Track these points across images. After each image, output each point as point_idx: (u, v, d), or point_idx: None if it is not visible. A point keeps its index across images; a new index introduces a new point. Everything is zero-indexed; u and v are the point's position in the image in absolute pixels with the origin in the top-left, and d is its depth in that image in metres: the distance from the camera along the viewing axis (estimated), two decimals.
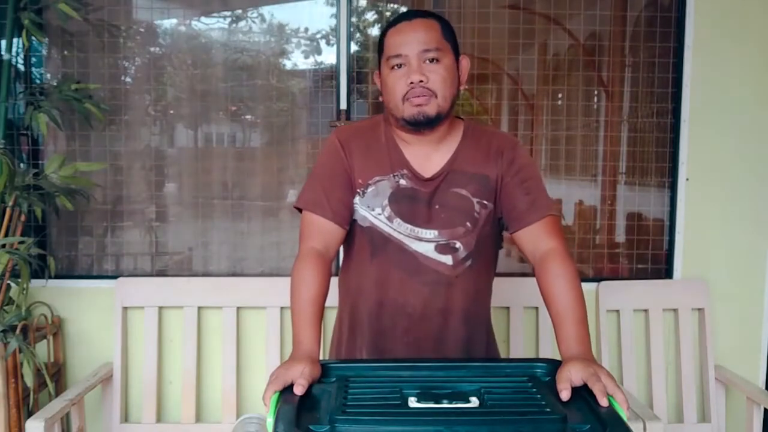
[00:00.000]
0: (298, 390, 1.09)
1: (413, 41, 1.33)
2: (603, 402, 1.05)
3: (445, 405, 1.01)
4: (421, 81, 1.32)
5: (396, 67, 1.34)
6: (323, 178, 1.44)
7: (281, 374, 1.13)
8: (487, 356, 1.52)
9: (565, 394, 1.08)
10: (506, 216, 1.44)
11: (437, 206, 1.41)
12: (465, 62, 1.41)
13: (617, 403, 1.05)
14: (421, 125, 1.37)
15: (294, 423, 0.96)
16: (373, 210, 1.42)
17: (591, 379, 1.09)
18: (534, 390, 1.08)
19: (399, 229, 1.41)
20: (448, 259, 1.42)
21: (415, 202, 1.42)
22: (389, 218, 1.41)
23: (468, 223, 1.42)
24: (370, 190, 1.42)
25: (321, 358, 1.22)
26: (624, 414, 1.03)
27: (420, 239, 1.41)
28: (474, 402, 1.03)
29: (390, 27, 1.38)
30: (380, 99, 1.44)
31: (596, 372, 1.10)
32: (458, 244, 1.42)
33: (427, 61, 1.33)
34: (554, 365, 1.18)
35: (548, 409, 1.01)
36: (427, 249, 1.41)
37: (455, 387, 1.09)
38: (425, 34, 1.34)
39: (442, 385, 1.09)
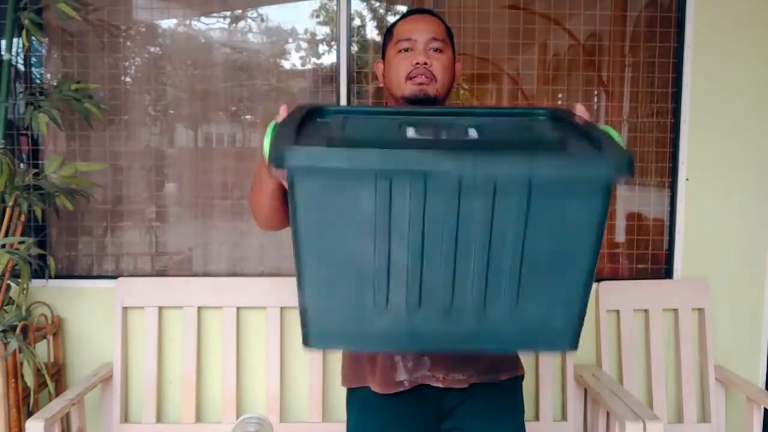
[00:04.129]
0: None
1: (424, 30, 1.45)
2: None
3: (443, 138, 1.02)
4: (426, 63, 1.42)
5: (403, 51, 1.45)
6: None
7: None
8: None
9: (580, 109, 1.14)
10: None
11: None
12: (459, 66, 1.53)
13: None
14: (421, 104, 1.44)
15: (292, 142, 0.94)
16: None
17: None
18: (533, 125, 1.09)
19: None
20: None
21: None
22: None
23: None
24: None
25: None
26: (618, 136, 1.04)
27: None
28: (473, 134, 1.03)
29: (401, 19, 1.52)
30: (381, 85, 1.52)
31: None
32: None
33: (432, 50, 1.44)
34: (554, 112, 1.16)
35: (547, 138, 1.03)
36: None
37: (454, 121, 1.10)
38: (434, 26, 1.47)
39: (441, 121, 1.10)
